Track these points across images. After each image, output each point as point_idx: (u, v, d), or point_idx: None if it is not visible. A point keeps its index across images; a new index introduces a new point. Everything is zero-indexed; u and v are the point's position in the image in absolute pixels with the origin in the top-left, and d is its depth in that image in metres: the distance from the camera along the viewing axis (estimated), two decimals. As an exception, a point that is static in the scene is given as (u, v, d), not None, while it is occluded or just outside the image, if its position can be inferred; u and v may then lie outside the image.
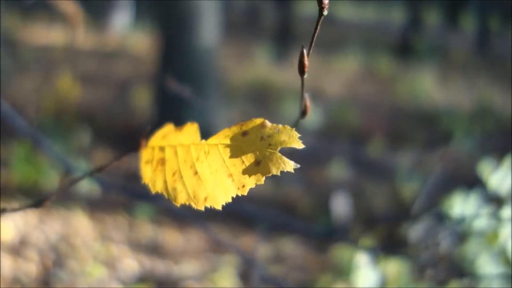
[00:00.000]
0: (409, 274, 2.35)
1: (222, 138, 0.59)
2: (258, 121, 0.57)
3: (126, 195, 3.23)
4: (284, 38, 9.64)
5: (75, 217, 3.30)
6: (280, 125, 0.56)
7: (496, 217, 1.91)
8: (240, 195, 0.57)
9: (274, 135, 0.56)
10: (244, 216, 3.33)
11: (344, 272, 2.55)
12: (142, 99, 5.58)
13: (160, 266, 2.99)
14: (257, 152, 0.56)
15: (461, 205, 2.01)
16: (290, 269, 3.09)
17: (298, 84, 0.63)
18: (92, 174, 0.68)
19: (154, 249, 3.14)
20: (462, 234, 2.06)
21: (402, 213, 3.60)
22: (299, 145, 0.55)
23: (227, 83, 6.16)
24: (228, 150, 0.58)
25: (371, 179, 4.33)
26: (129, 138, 4.53)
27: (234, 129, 0.58)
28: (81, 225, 3.25)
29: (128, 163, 3.90)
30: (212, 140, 0.59)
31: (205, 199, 0.59)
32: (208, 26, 4.52)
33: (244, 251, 2.93)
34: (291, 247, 3.27)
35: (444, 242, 2.33)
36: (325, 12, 0.57)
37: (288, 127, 0.56)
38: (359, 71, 8.79)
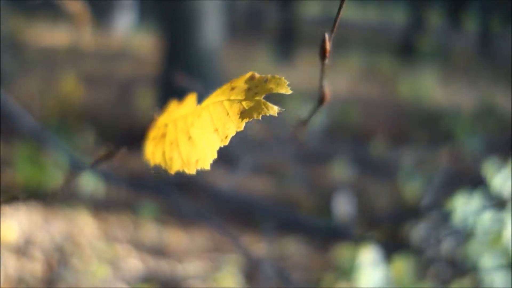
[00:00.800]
0: (412, 273, 2.36)
1: (213, 97, 0.58)
2: (248, 74, 0.56)
3: (130, 187, 3.24)
4: (287, 40, 9.64)
5: (79, 216, 3.31)
6: (269, 75, 0.54)
7: (499, 217, 1.91)
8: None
9: (261, 85, 0.54)
10: (247, 214, 3.34)
11: (347, 271, 2.56)
12: (146, 100, 5.59)
13: (164, 266, 3.00)
14: (242, 103, 0.55)
15: (465, 205, 2.02)
16: (293, 268, 3.10)
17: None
18: (94, 165, 0.69)
19: (159, 249, 3.15)
20: (465, 234, 2.07)
21: (406, 212, 3.61)
22: (286, 90, 0.53)
23: (230, 83, 6.16)
24: (216, 107, 0.57)
25: (374, 179, 4.33)
26: (133, 139, 4.53)
27: (224, 87, 0.57)
28: (85, 224, 3.27)
29: (131, 164, 3.92)
30: (205, 102, 0.59)
31: (197, 161, 0.58)
32: (212, 27, 4.54)
33: (248, 248, 2.94)
34: (294, 246, 3.27)
35: (448, 242, 2.34)
36: None
37: (277, 76, 0.54)
38: (362, 71, 8.80)
